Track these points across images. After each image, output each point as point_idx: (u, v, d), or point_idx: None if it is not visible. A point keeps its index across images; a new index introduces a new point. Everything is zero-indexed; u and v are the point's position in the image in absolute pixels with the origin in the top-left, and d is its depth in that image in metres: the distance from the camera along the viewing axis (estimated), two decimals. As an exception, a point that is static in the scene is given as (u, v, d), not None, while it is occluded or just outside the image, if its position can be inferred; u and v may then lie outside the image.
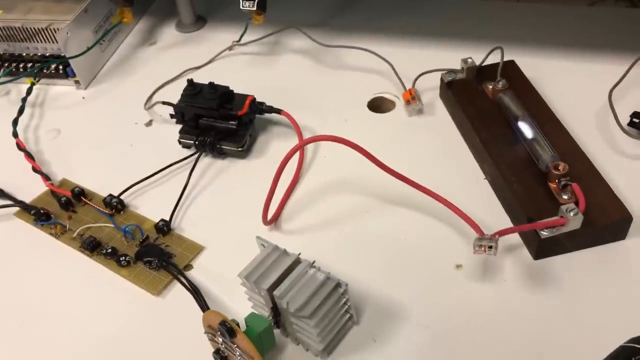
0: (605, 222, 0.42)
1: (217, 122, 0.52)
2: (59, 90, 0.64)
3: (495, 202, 0.47)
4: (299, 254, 0.39)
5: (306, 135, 0.55)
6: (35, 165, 0.53)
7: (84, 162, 0.55)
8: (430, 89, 0.57)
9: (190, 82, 0.53)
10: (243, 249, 0.41)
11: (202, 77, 0.55)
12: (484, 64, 0.54)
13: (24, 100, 0.59)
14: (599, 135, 0.51)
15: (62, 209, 0.50)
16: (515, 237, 0.44)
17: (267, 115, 0.55)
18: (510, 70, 0.54)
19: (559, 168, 0.43)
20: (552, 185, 0.44)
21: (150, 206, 0.50)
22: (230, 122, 0.52)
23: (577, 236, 0.41)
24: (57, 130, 0.59)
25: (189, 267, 0.45)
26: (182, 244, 0.47)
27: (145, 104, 0.60)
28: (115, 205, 0.49)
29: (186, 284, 0.42)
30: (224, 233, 0.47)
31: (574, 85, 0.56)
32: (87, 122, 0.60)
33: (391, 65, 0.58)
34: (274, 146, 0.54)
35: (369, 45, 0.61)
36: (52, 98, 0.63)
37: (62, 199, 0.50)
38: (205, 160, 0.53)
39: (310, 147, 0.54)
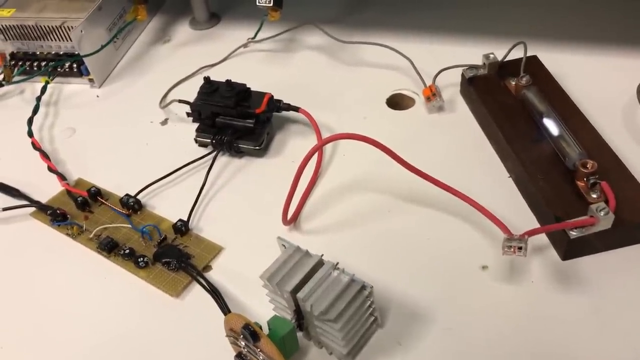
0: (636, 220, 0.41)
1: (234, 120, 0.52)
2: (74, 88, 0.63)
3: (520, 201, 0.46)
4: (322, 255, 0.38)
5: (324, 134, 0.54)
6: (50, 164, 0.52)
7: (99, 161, 0.54)
8: (450, 85, 0.56)
9: (207, 79, 0.52)
10: (263, 249, 0.40)
11: (217, 75, 0.54)
12: (506, 59, 0.53)
13: (38, 99, 0.59)
14: (626, 132, 0.50)
15: (78, 209, 0.49)
16: (542, 237, 0.43)
17: (284, 113, 0.54)
18: (533, 65, 0.53)
19: (588, 166, 0.42)
20: (580, 184, 0.43)
21: (168, 206, 0.49)
22: (248, 120, 0.51)
23: (607, 236, 0.40)
24: (72, 129, 0.58)
25: (208, 268, 0.44)
26: (200, 245, 0.46)
27: (161, 102, 0.59)
28: (132, 205, 0.48)
29: (206, 285, 0.42)
30: (243, 233, 0.46)
31: (600, 81, 0.55)
32: (102, 121, 0.59)
33: (410, 61, 0.57)
34: (292, 144, 0.54)
35: (388, 41, 0.60)
36: (67, 97, 0.63)
37: (79, 199, 0.49)
38: (222, 159, 0.53)
39: (328, 146, 0.53)
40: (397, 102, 0.57)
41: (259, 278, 0.37)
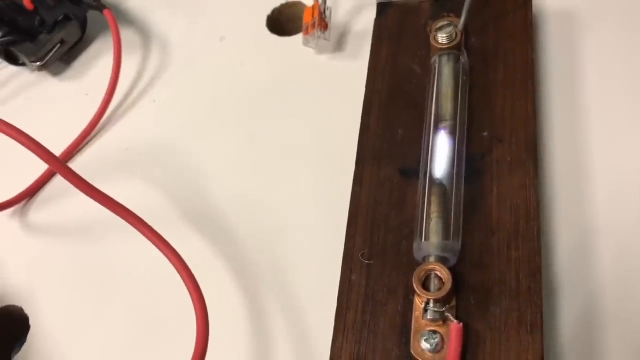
0: None
1: (21, 14, 0.34)
2: None
3: (330, 289, 0.24)
4: None
5: (152, 52, 0.34)
6: None
7: None
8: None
9: (-24, -58, 0.33)
10: None
11: None
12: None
13: None
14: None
15: None
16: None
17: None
18: (512, 2, 0.26)
19: (435, 273, 0.20)
20: (417, 302, 0.20)
21: None
22: (31, 18, 0.33)
23: None
24: None
25: None
26: None
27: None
28: None
29: None
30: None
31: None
32: None
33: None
34: (103, 65, 0.35)
35: None
36: None
37: None
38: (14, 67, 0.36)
39: (136, 86, 0.33)
40: (290, 18, 0.34)
41: None
